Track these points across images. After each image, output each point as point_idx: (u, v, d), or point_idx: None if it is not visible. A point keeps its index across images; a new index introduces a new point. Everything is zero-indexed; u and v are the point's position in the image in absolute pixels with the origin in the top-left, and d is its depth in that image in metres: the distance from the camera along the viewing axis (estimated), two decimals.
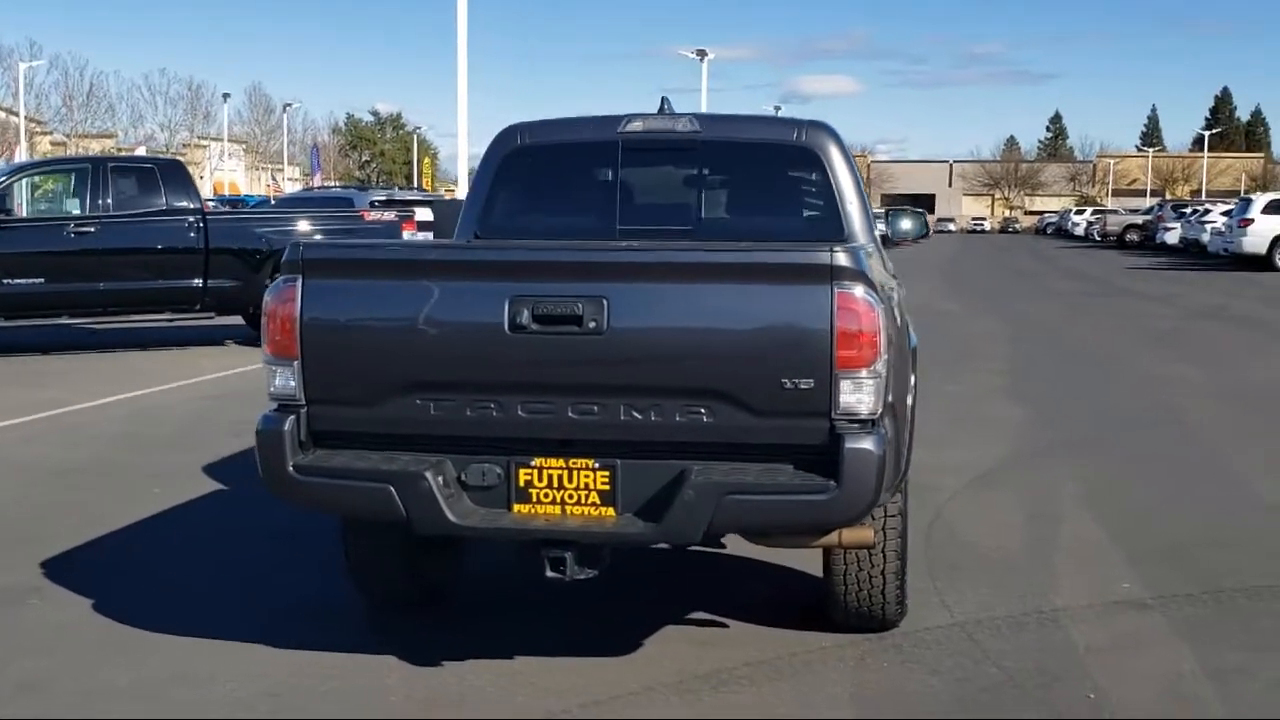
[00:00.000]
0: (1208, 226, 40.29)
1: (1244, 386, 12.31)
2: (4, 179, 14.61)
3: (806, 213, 5.84)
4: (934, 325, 15.24)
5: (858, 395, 4.03)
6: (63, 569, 5.95)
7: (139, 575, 5.95)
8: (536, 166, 5.98)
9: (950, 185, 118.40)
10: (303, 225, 15.50)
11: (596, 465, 4.20)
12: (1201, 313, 20.99)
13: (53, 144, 68.16)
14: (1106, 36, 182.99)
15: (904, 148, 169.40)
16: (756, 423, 4.07)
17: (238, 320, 15.95)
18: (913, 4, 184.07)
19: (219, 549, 6.39)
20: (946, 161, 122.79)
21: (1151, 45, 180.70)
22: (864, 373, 4.02)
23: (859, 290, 4.01)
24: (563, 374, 4.14)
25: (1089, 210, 77.14)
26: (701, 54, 54.76)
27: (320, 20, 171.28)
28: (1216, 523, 6.84)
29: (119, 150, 58.01)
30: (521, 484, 4.25)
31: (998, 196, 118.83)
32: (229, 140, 79.65)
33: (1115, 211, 70.09)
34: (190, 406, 11.04)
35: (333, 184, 67.78)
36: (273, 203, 26.31)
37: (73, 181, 14.69)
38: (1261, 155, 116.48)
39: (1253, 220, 33.90)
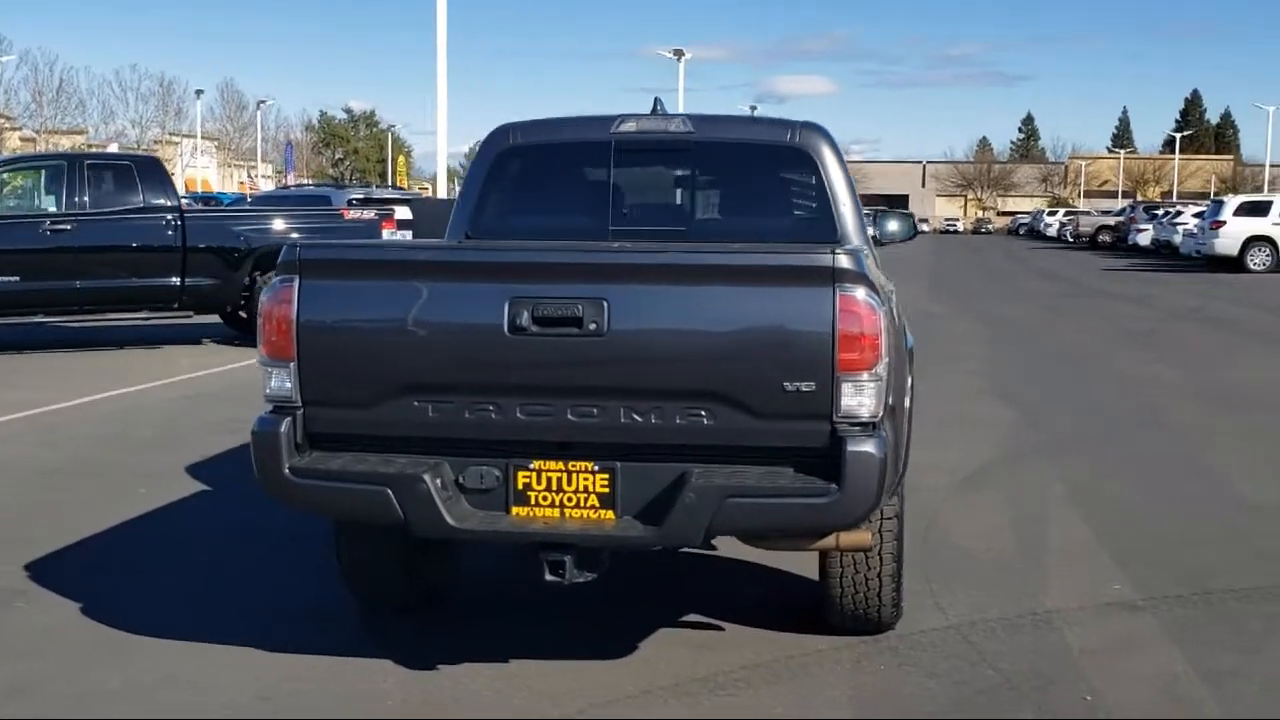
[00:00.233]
0: (1180, 228, 40.58)
1: (1221, 387, 12.39)
2: None
3: (799, 214, 5.83)
4: (913, 326, 15.25)
5: (859, 398, 4.03)
6: (49, 571, 5.89)
7: (127, 577, 5.90)
8: (529, 166, 5.95)
9: (924, 186, 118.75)
10: (281, 224, 15.39)
11: (596, 468, 4.18)
12: (1176, 314, 21.12)
13: (22, 140, 67.53)
14: (1078, 39, 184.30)
15: (878, 148, 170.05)
16: (757, 425, 4.07)
17: (215, 319, 15.86)
18: (888, 5, 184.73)
19: (207, 550, 6.34)
20: (920, 162, 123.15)
21: (1122, 48, 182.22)
22: (865, 375, 4.02)
23: (860, 292, 4.01)
24: (563, 376, 4.12)
25: (1061, 211, 77.49)
26: (679, 54, 54.79)
27: (294, 17, 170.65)
28: (1201, 523, 6.88)
29: (90, 147, 57.45)
30: (520, 487, 4.23)
31: (970, 197, 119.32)
32: (201, 137, 79.09)
33: (1087, 213, 70.44)
34: (171, 406, 10.96)
35: (306, 182, 67.46)
36: (249, 201, 26.14)
37: (48, 178, 14.54)
38: (1231, 158, 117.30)
39: (1225, 222, 34.14)
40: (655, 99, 6.05)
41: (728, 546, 5.73)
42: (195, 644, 4.94)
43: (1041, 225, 75.87)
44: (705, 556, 5.89)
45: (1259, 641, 5.07)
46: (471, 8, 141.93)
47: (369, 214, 15.99)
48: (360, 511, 4.32)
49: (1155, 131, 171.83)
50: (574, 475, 4.20)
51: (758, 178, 5.90)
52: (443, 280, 4.24)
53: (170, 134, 77.55)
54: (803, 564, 5.61)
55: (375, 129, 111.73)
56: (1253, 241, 33.52)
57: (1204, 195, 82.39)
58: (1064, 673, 4.68)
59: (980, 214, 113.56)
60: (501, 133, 5.99)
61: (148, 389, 11.86)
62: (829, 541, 4.47)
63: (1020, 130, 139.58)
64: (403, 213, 18.30)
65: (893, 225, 7.18)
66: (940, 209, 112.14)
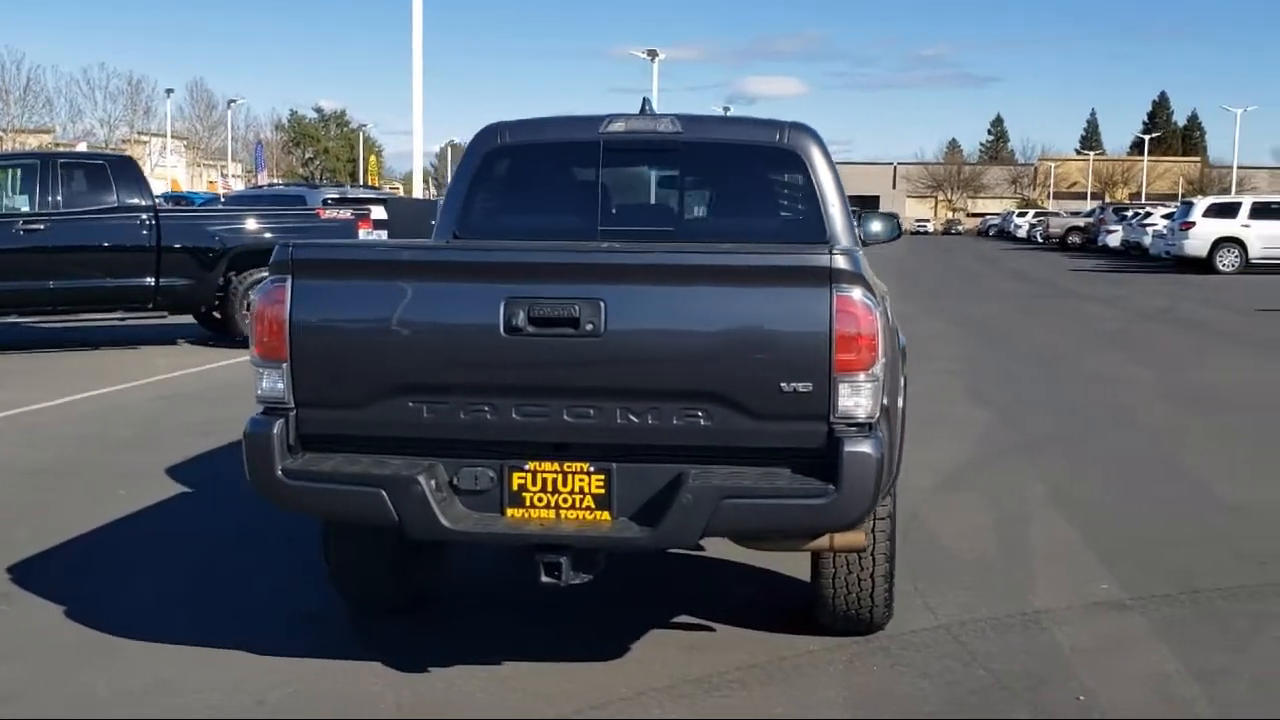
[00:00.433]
0: (1149, 229, 40.85)
1: (1193, 388, 12.48)
2: None
3: (789, 214, 5.84)
4: None
5: (856, 399, 4.03)
6: (32, 573, 5.83)
7: (111, 579, 5.84)
8: (517, 166, 5.93)
9: (894, 187, 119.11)
10: (257, 224, 15.30)
11: (592, 469, 4.17)
12: (1147, 315, 21.27)
13: None
14: (1047, 41, 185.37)
15: (849, 149, 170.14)
16: (754, 426, 4.06)
17: (190, 319, 15.76)
18: (859, 6, 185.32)
19: (192, 552, 6.29)
20: (891, 163, 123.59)
21: (1090, 50, 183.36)
22: (862, 376, 4.02)
23: (857, 293, 4.01)
24: (559, 377, 4.11)
25: (1031, 213, 77.93)
26: (653, 54, 54.85)
27: (263, 15, 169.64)
28: (1182, 523, 6.93)
29: (57, 146, 56.99)
30: (515, 488, 4.21)
31: (941, 199, 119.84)
32: (170, 137, 78.55)
33: (1057, 214, 70.78)
34: (148, 406, 10.88)
35: (276, 181, 67.08)
36: (222, 200, 25.97)
37: (21, 178, 14.39)
38: (1198, 159, 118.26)
39: (1194, 224, 34.39)
40: (644, 99, 6.06)
41: (715, 547, 5.73)
42: (183, 647, 4.90)
43: (1011, 226, 76.24)
44: (693, 557, 5.89)
45: (1246, 640, 5.10)
46: (443, 8, 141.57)
47: (345, 214, 15.91)
48: (354, 513, 4.29)
49: (1123, 133, 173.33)
50: (569, 476, 4.19)
51: (746, 178, 5.90)
52: (438, 280, 4.22)
53: (139, 133, 76.97)
54: (790, 564, 5.63)
55: (346, 128, 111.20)
56: (1222, 243, 33.79)
57: (1172, 197, 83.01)
58: (1056, 672, 4.70)
59: (950, 215, 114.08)
60: (489, 132, 5.97)
61: (125, 389, 11.78)
62: (823, 542, 4.47)
63: (990, 132, 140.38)
64: (378, 212, 18.23)
65: (876, 226, 7.17)
66: (911, 210, 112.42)
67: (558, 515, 4.20)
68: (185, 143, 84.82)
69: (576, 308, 4.02)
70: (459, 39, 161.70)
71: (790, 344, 4.02)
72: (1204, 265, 33.63)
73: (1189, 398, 11.80)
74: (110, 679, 4.60)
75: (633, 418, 4.09)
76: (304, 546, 5.74)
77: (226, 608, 5.42)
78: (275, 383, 4.25)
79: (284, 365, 4.22)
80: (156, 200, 15.76)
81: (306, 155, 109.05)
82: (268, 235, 15.08)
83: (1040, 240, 64.23)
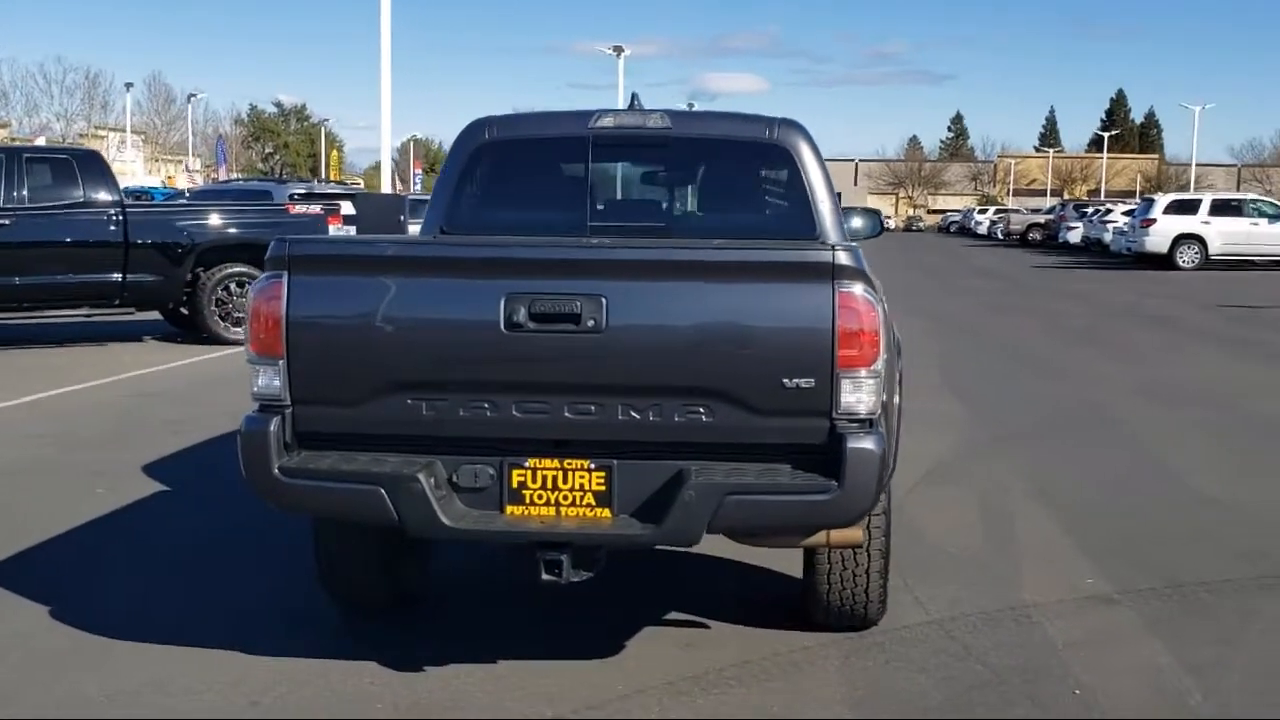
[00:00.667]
0: (1109, 226, 41.23)
1: (1164, 383, 12.58)
2: None
3: (778, 210, 5.83)
4: None
5: (858, 395, 4.03)
6: (13, 575, 5.74)
7: (96, 580, 5.76)
8: (505, 161, 5.89)
9: (855, 184, 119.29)
10: (225, 219, 15.16)
11: (592, 466, 4.15)
12: (1113, 310, 21.44)
13: None
14: (1005, 38, 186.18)
15: None
16: (756, 422, 4.05)
17: (156, 316, 15.61)
18: (817, 4, 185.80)
19: (176, 551, 6.22)
20: (852, 160, 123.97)
21: (1049, 47, 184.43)
22: (864, 372, 4.02)
23: (859, 289, 4.01)
24: (560, 373, 4.08)
25: (992, 209, 78.46)
26: (618, 50, 54.82)
27: (222, 8, 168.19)
28: (1162, 518, 6.98)
29: (13, 140, 56.35)
30: (515, 485, 4.18)
31: (902, 195, 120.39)
32: (129, 131, 77.82)
33: (1018, 211, 71.33)
34: (120, 404, 10.76)
35: (236, 177, 66.57)
36: (187, 196, 25.72)
37: None
38: (1155, 156, 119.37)
39: (1155, 220, 34.71)
40: (632, 94, 6.04)
41: (704, 543, 5.70)
42: (174, 647, 4.84)
43: (972, 223, 76.70)
44: (681, 553, 5.82)
45: (1234, 633, 5.15)
46: (403, 2, 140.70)
47: (314, 209, 15.78)
48: (353, 512, 4.24)
49: (1082, 131, 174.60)
50: (570, 473, 4.16)
51: (736, 174, 5.90)
52: (437, 276, 4.19)
53: (96, 127, 76.27)
54: (781, 560, 5.62)
55: (306, 123, 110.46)
56: (1182, 239, 34.12)
57: (1130, 193, 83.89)
58: (1050, 667, 4.72)
59: (911, 212, 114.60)
60: (477, 127, 5.93)
61: (95, 387, 11.65)
62: (819, 538, 4.48)
63: (950, 129, 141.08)
64: (345, 208, 18.11)
65: (858, 223, 7.16)
66: (872, 206, 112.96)
67: (558, 513, 4.17)
68: (143, 137, 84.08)
69: (578, 304, 4.00)
70: (418, 34, 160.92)
71: (792, 340, 4.01)
72: (1165, 261, 33.95)
73: (1161, 393, 11.89)
74: (101, 680, 4.54)
75: (634, 414, 4.07)
76: (294, 545, 5.70)
77: (217, 607, 5.35)
78: (271, 380, 4.20)
79: (280, 362, 4.17)
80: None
81: (266, 150, 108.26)
82: (236, 231, 14.97)
83: (1001, 237, 64.66)
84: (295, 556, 5.57)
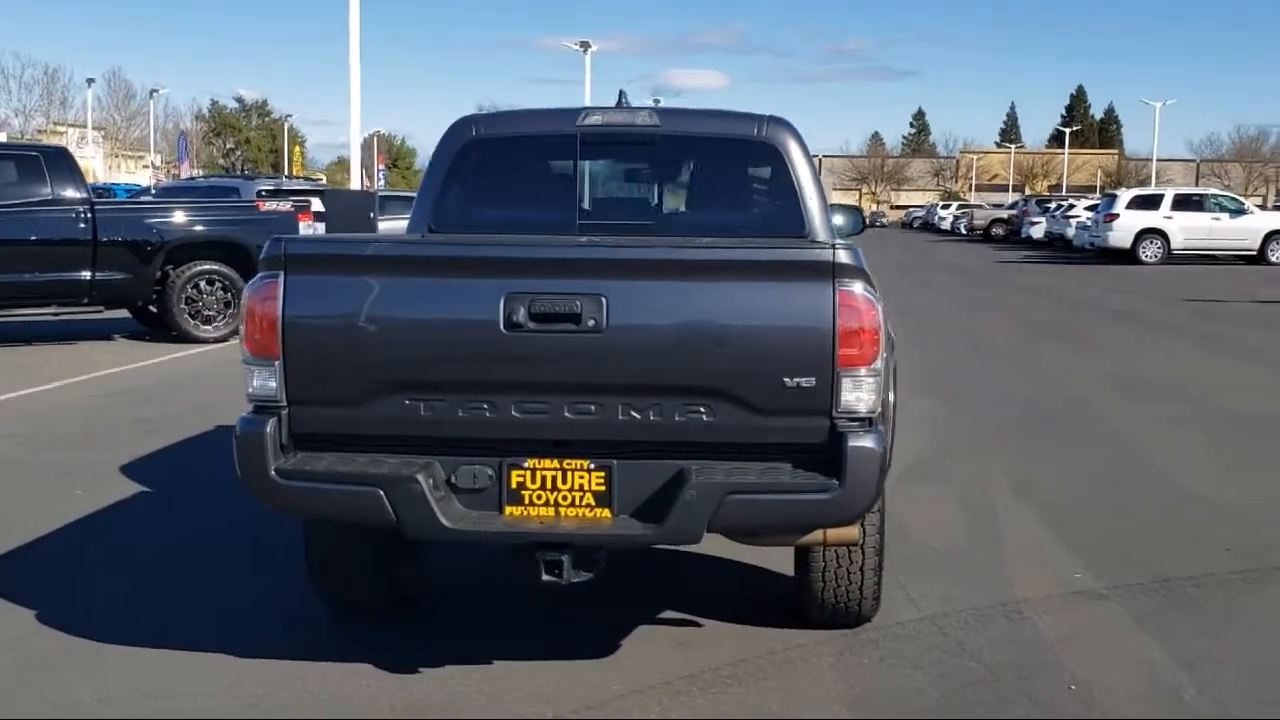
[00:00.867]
0: (1072, 221, 41.52)
1: (1137, 378, 12.67)
2: None
3: (766, 208, 5.84)
4: None
5: (858, 393, 4.03)
6: None
7: (82, 583, 5.69)
8: (492, 159, 5.85)
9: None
10: (195, 217, 15.02)
11: (592, 466, 4.14)
12: (1079, 305, 21.58)
13: None
14: (967, 35, 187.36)
15: None
16: (757, 422, 4.05)
17: (125, 314, 15.45)
18: (783, 1, 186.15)
19: (161, 552, 6.16)
20: (816, 156, 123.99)
21: (1009, 43, 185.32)
22: (864, 371, 4.03)
23: (859, 288, 4.01)
24: (560, 373, 4.06)
25: (955, 205, 78.82)
26: (585, 45, 54.69)
27: (182, 3, 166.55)
28: (1145, 513, 7.03)
29: None
30: (514, 486, 4.17)
31: (866, 191, 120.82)
32: (91, 127, 77.08)
33: (980, 206, 71.71)
34: (91, 403, 10.65)
35: (197, 173, 66.03)
36: (153, 192, 25.47)
37: None
38: (1115, 152, 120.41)
39: (1118, 215, 34.98)
40: (620, 91, 6.03)
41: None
42: (166, 650, 4.79)
43: (936, 219, 77.04)
44: (673, 552, 5.84)
45: (1222, 627, 5.19)
46: None
47: (285, 205, 15.66)
48: (350, 514, 4.21)
49: (1042, 126, 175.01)
50: (569, 473, 4.15)
51: (724, 172, 5.89)
52: (436, 275, 4.16)
53: (55, 123, 75.50)
54: (772, 559, 5.63)
55: (267, 119, 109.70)
56: (1145, 234, 34.38)
57: (1090, 188, 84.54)
58: (1045, 662, 4.74)
59: (875, 208, 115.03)
60: (464, 124, 5.90)
61: (67, 386, 11.53)
62: (815, 536, 4.49)
63: (912, 125, 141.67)
64: (315, 205, 17.98)
65: (839, 220, 7.15)
66: (851, 204, 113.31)
67: (557, 513, 4.16)
68: (103, 133, 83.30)
69: (578, 303, 3.98)
70: (381, 28, 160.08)
71: (793, 339, 4.01)
72: (1127, 256, 34.23)
73: (1136, 388, 11.97)
74: (93, 685, 4.49)
75: (634, 414, 4.06)
76: (284, 545, 5.66)
77: (209, 609, 5.31)
78: (267, 381, 4.17)
79: (276, 363, 4.14)
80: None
81: (227, 146, 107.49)
82: (206, 228, 14.85)
83: (965, 232, 64.96)
84: (285, 557, 5.54)
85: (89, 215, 13.97)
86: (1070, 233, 41.04)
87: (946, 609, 5.32)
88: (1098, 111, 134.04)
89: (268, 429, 4.14)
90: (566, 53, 55.46)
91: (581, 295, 3.99)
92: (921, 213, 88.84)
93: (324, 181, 54.74)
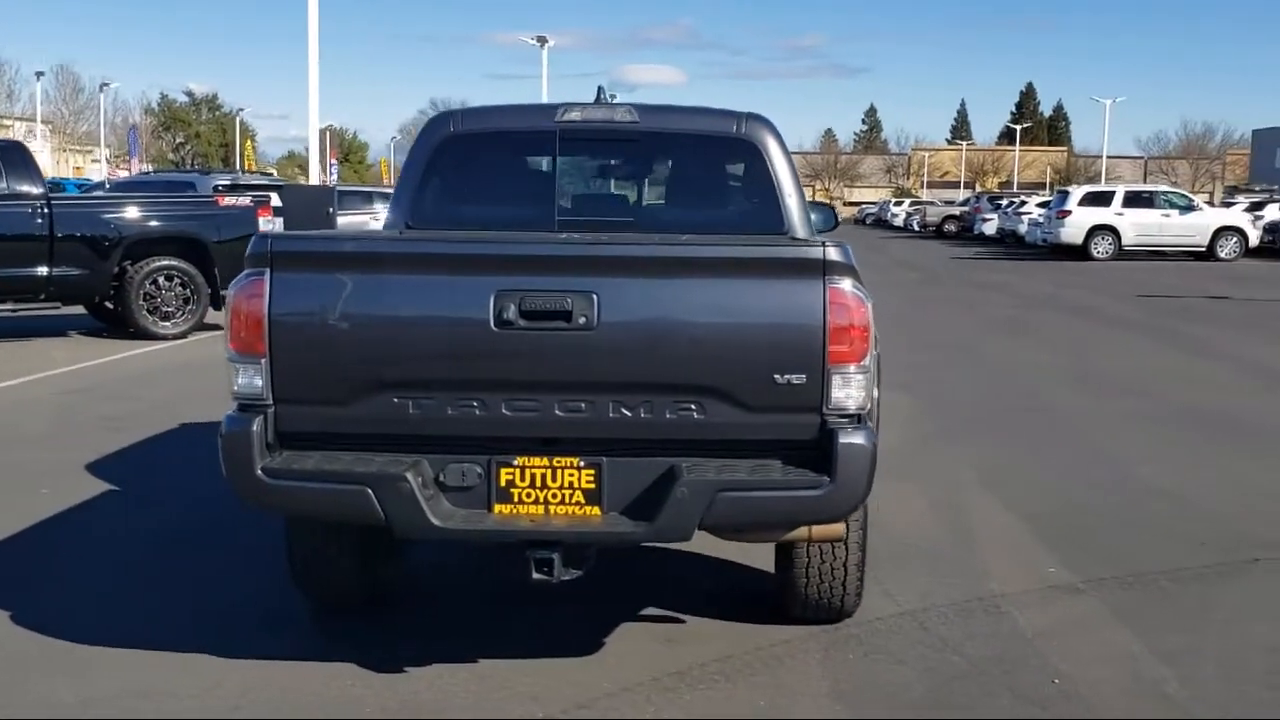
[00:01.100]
0: (1025, 218, 41.90)
1: (1096, 373, 12.81)
2: None
3: (746, 204, 5.84)
4: None
5: (848, 390, 4.05)
6: None
7: (56, 584, 5.61)
8: (470, 155, 5.82)
9: None
10: (154, 212, 14.85)
11: (582, 464, 4.13)
12: (1035, 301, 21.76)
13: None
14: (917, 31, 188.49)
15: None
16: (748, 419, 4.06)
17: (80, 310, 15.26)
18: None
19: (134, 551, 6.09)
20: None
21: (959, 40, 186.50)
22: (853, 368, 4.05)
23: (849, 285, 4.03)
24: (551, 371, 4.05)
25: (908, 202, 79.21)
26: (542, 40, 54.58)
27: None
28: (1113, 507, 7.10)
29: None
30: (503, 484, 4.15)
31: (819, 188, 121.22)
32: (37, 121, 76.02)
33: (933, 203, 72.10)
34: (53, 401, 10.51)
35: (147, 168, 65.32)
36: (107, 187, 25.16)
37: None
38: (1064, 149, 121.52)
39: (1070, 212, 35.35)
40: (599, 87, 6.03)
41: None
42: (148, 652, 4.74)
43: (888, 215, 77.33)
44: (656, 549, 5.84)
45: (1198, 621, 5.25)
46: None
47: (245, 200, 15.51)
48: (338, 513, 4.18)
49: (992, 123, 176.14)
50: (559, 471, 4.14)
51: (704, 168, 5.89)
52: (425, 273, 4.13)
53: (1, 117, 74.40)
54: (753, 555, 5.64)
55: (218, 112, 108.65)
56: (1096, 230, 34.77)
57: (1040, 185, 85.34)
58: (1026, 656, 4.79)
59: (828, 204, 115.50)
60: (441, 120, 5.88)
61: (26, 383, 11.38)
62: (801, 532, 4.50)
63: (864, 122, 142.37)
64: (274, 200, 17.83)
65: (813, 217, 7.20)
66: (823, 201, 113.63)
67: (547, 511, 4.15)
68: (50, 127, 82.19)
69: (569, 301, 3.97)
70: (334, 21, 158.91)
71: (783, 336, 4.02)
72: (1079, 252, 34.60)
73: (1093, 382, 12.11)
74: (76, 687, 4.43)
75: (625, 412, 4.06)
76: (261, 544, 5.62)
77: (188, 608, 5.25)
78: (253, 379, 4.13)
79: (262, 361, 4.11)
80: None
81: (177, 140, 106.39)
82: (165, 224, 14.68)
83: (918, 228, 65.29)
84: (265, 555, 5.50)
85: (46, 210, 13.79)
86: (1023, 229, 41.41)
87: (925, 604, 5.35)
88: (1047, 109, 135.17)
89: (254, 427, 4.11)
90: (520, 47, 55.60)
91: (573, 293, 3.98)
92: (874, 209, 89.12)
93: (276, 175, 54.35)
